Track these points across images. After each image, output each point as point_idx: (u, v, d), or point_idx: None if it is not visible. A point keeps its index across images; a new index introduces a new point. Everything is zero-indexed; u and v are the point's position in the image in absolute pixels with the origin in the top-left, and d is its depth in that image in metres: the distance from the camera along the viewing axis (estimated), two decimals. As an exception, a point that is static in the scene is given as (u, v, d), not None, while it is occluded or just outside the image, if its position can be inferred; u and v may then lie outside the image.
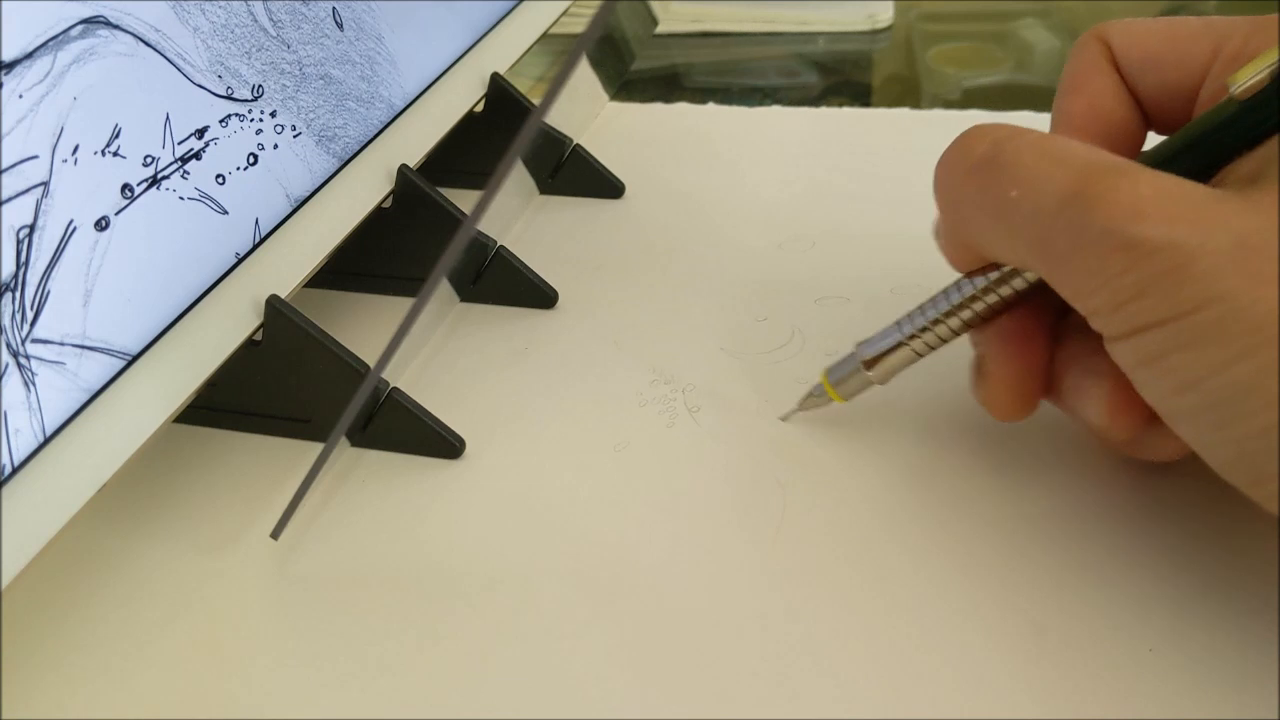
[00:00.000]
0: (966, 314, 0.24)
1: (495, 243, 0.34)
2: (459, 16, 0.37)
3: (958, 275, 0.24)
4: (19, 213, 0.22)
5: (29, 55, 0.22)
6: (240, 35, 0.28)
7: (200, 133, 0.26)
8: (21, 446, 0.21)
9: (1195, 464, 0.25)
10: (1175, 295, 0.18)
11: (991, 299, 0.23)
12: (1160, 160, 0.21)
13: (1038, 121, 0.24)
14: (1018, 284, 0.23)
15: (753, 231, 0.36)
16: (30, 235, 0.22)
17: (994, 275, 0.23)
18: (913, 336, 0.25)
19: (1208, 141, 0.21)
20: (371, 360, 0.25)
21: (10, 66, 0.22)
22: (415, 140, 0.34)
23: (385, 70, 0.33)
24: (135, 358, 0.24)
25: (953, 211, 0.23)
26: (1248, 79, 0.20)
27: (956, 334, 0.24)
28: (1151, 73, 0.24)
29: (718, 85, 0.50)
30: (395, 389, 0.28)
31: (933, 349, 0.25)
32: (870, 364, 0.26)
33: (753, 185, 0.39)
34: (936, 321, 0.24)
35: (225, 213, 0.27)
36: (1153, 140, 0.23)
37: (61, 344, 0.22)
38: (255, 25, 0.28)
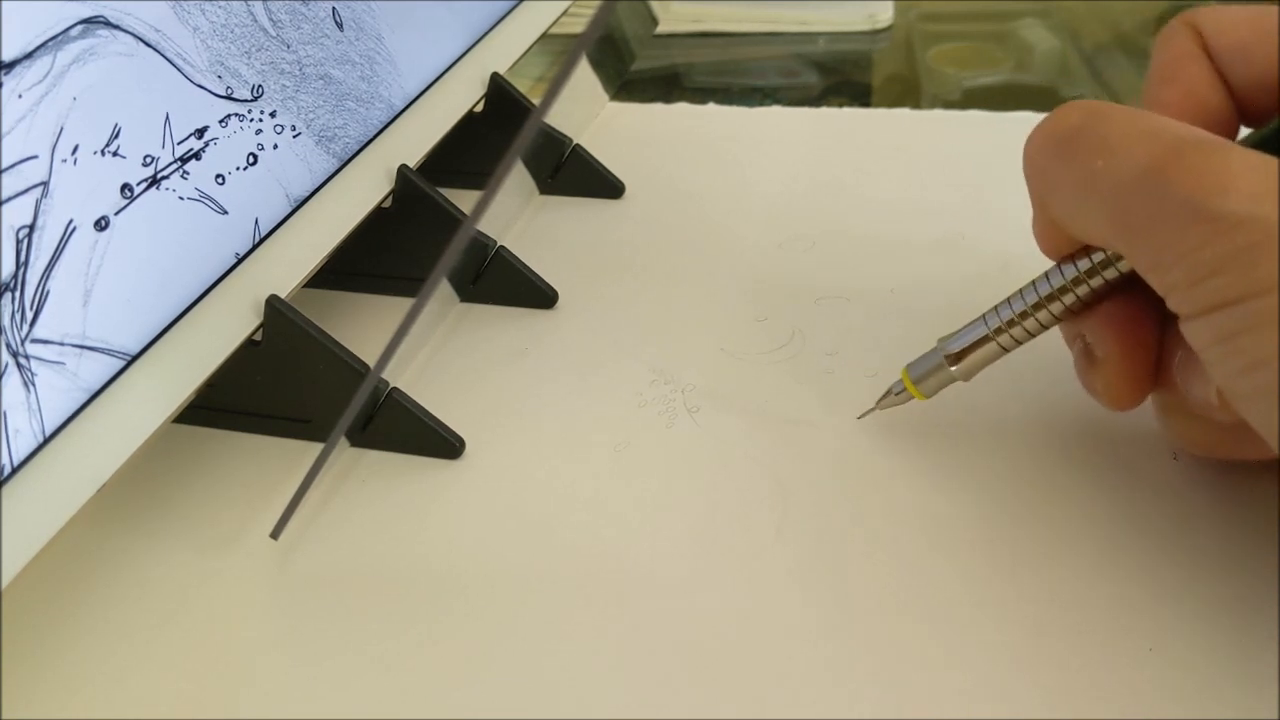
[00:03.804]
0: (1057, 306, 0.23)
1: (495, 243, 0.34)
2: (459, 16, 0.37)
3: (961, 275, 0.24)
4: (19, 213, 0.22)
5: (29, 55, 0.22)
6: (240, 35, 0.28)
7: (200, 133, 0.26)
8: (21, 446, 0.21)
9: (1187, 462, 0.25)
10: (1252, 273, 0.18)
11: (1083, 290, 0.22)
12: (1256, 143, 0.20)
13: (1037, 121, 0.24)
14: (1110, 274, 0.22)
15: (753, 231, 0.36)
16: (30, 235, 0.22)
17: (1085, 264, 0.22)
18: (999, 330, 0.24)
19: None
20: (371, 360, 0.25)
21: (10, 66, 0.22)
22: (415, 140, 0.34)
23: (385, 70, 0.33)
24: (135, 358, 0.24)
25: (1040, 184, 0.22)
26: None
27: (1045, 327, 0.24)
28: (1240, 62, 0.23)
29: (718, 85, 0.50)
30: (395, 389, 0.28)
31: (1019, 343, 0.24)
32: (954, 359, 0.25)
33: (753, 185, 0.39)
34: (1025, 314, 0.23)
35: (225, 213, 0.27)
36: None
37: (61, 344, 0.22)
38: (255, 25, 0.28)
